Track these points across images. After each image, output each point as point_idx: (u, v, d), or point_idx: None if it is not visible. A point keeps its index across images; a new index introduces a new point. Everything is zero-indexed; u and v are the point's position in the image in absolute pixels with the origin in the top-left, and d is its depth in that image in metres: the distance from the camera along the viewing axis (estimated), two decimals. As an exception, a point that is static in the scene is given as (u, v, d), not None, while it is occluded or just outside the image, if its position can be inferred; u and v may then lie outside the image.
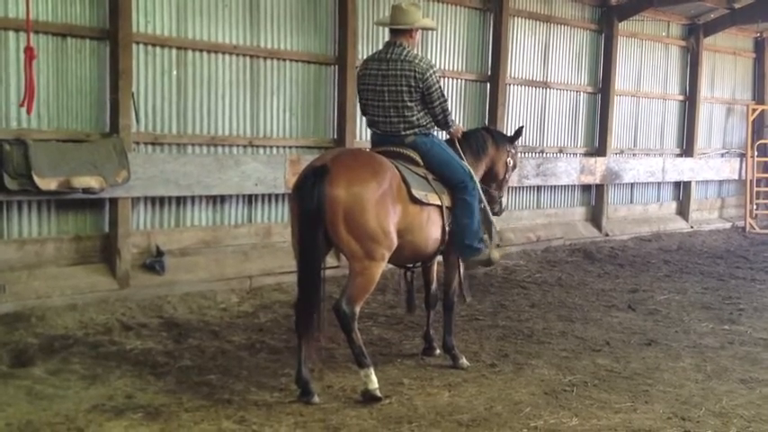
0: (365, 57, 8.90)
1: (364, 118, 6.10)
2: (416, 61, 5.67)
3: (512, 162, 6.62)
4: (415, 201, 5.43)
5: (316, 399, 5.10)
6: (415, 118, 5.72)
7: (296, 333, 5.27)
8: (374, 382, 5.16)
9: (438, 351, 6.24)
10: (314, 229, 5.03)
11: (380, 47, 5.99)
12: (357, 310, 5.22)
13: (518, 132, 6.75)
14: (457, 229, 5.78)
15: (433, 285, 6.29)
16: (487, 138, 6.45)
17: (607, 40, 12.60)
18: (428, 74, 5.66)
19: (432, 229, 5.63)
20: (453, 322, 6.21)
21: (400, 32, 5.79)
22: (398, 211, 5.29)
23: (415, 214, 5.45)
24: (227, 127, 8.38)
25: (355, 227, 5.07)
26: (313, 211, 5.00)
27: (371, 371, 5.19)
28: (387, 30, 6.02)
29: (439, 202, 5.64)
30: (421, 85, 5.65)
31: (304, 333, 5.13)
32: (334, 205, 5.02)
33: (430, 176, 5.68)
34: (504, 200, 6.67)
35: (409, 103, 5.67)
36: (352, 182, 5.09)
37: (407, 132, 5.75)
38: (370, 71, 5.80)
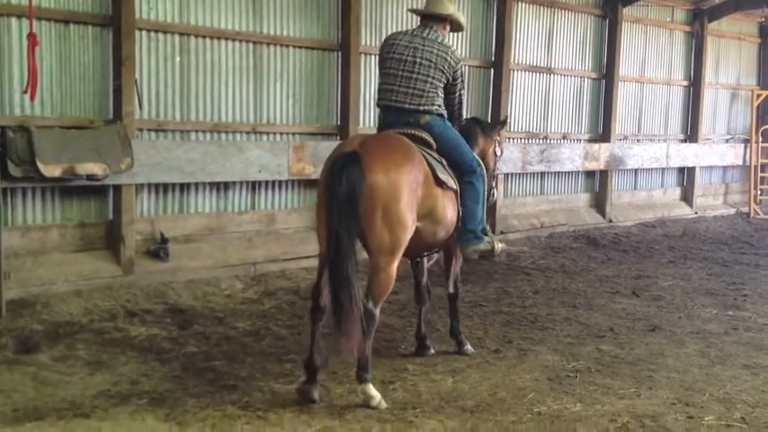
0: (368, 43, 8.98)
1: (377, 89, 5.89)
2: (452, 50, 5.77)
3: (499, 151, 6.61)
4: (439, 184, 5.33)
5: (315, 395, 4.88)
6: (436, 98, 5.67)
7: (310, 319, 5.03)
8: (375, 398, 4.82)
9: (432, 351, 6.01)
10: (348, 217, 4.75)
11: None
12: (378, 312, 4.92)
13: (503, 122, 7.03)
14: (462, 214, 5.65)
15: (424, 278, 6.09)
16: (478, 129, 6.34)
17: (611, 25, 12.55)
18: (459, 65, 5.78)
19: (450, 211, 5.52)
20: (459, 309, 6.18)
21: (435, 20, 5.83)
22: (421, 195, 5.10)
23: (438, 197, 5.32)
24: (230, 113, 8.37)
25: (390, 215, 4.83)
26: (348, 200, 4.73)
27: (369, 386, 4.86)
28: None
29: (455, 186, 5.57)
30: (452, 73, 5.72)
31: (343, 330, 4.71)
32: (372, 193, 4.78)
33: (444, 160, 5.56)
34: (495, 191, 6.54)
35: (438, 83, 5.66)
36: (389, 167, 4.88)
37: (424, 109, 5.62)
38: (400, 41, 5.72)
